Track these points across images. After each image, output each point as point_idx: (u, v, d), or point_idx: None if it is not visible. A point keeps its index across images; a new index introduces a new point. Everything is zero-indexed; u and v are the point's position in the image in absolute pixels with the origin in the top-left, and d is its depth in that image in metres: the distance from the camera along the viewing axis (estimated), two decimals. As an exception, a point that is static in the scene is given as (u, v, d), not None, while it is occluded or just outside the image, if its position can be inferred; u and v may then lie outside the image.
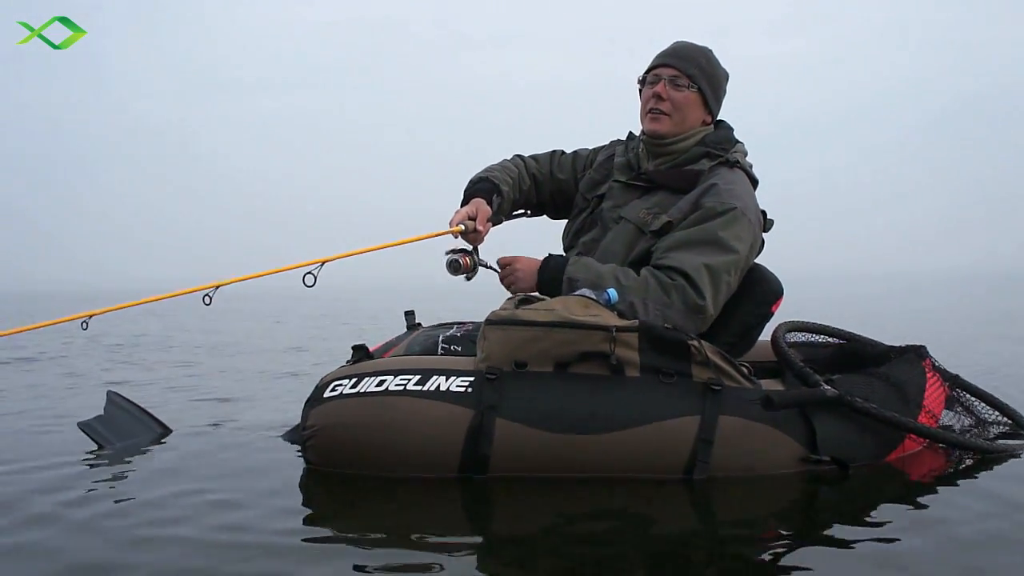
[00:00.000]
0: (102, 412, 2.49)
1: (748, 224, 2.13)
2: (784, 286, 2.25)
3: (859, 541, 1.55)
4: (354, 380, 1.93)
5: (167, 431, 2.52)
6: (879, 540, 1.57)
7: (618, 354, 1.88)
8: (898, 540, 1.56)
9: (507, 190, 2.40)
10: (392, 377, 1.91)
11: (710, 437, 1.85)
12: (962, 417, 2.51)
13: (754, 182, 2.29)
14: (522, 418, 1.85)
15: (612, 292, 2.01)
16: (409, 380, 1.90)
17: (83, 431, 2.41)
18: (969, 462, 2.10)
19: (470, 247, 2.25)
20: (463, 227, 2.19)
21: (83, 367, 4.83)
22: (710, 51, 2.29)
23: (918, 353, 2.36)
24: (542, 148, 2.61)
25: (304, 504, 1.83)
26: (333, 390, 1.94)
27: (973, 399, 2.57)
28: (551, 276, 2.14)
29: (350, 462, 1.93)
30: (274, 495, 1.85)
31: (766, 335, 2.34)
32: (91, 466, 2.12)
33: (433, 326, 2.42)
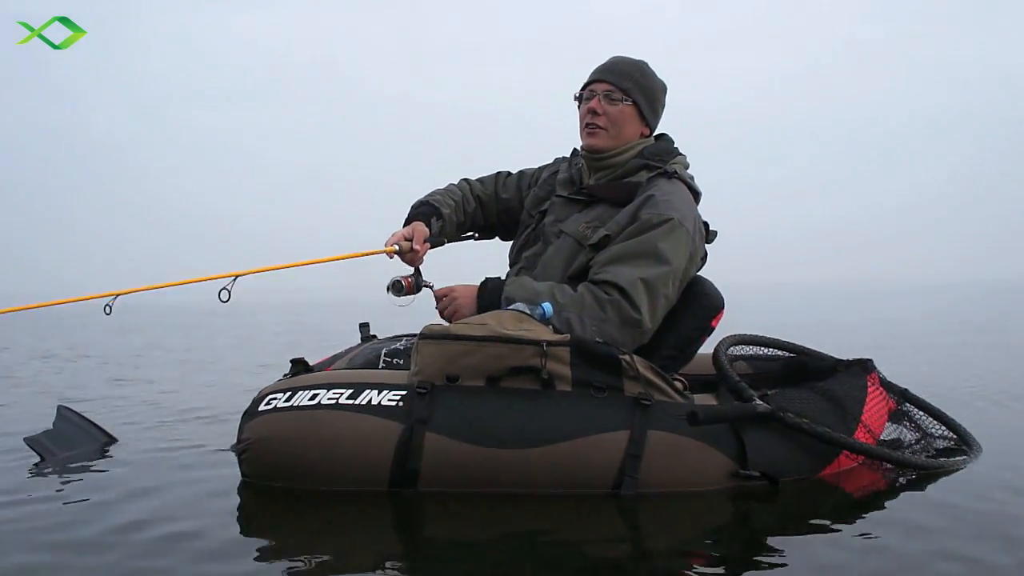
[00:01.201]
0: (51, 427, 2.47)
1: (686, 235, 2.13)
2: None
3: (787, 556, 1.56)
4: (288, 394, 1.93)
5: (114, 441, 2.51)
6: (806, 555, 1.57)
7: (549, 368, 1.88)
8: (826, 554, 1.57)
9: (448, 212, 2.42)
10: (325, 391, 1.91)
11: (638, 452, 1.85)
12: (906, 432, 2.51)
13: (696, 194, 2.29)
14: (452, 432, 1.85)
15: (547, 306, 2.01)
16: (342, 394, 1.90)
17: (30, 446, 2.39)
18: (904, 479, 2.10)
19: (411, 268, 2.26)
20: (398, 247, 2.21)
21: (42, 380, 4.78)
22: (645, 64, 2.31)
23: (863, 367, 2.37)
24: (488, 170, 2.64)
25: (238, 520, 1.82)
26: (268, 403, 1.95)
27: (920, 413, 2.57)
28: (491, 299, 2.15)
29: (282, 476, 1.93)
30: (210, 511, 1.85)
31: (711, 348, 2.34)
32: (29, 493, 2.02)
33: (384, 339, 2.42)
